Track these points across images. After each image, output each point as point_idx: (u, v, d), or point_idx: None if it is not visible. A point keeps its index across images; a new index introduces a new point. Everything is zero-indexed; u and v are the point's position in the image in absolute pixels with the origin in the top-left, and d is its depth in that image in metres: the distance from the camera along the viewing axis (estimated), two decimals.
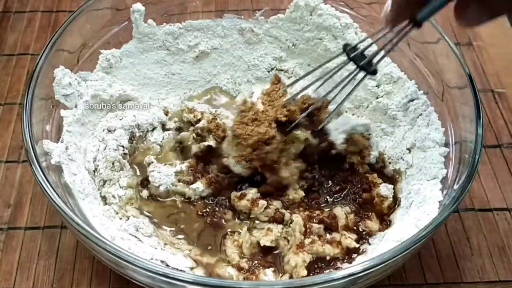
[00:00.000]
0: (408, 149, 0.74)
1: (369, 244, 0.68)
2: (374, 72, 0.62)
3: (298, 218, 0.68)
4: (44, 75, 0.68)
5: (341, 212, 0.71)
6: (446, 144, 0.70)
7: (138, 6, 0.80)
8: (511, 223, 0.74)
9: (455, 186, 0.61)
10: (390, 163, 0.75)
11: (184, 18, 0.86)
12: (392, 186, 0.73)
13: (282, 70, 0.86)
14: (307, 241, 0.66)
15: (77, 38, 0.76)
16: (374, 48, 0.67)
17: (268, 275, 0.64)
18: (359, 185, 0.74)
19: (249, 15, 0.88)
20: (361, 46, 0.62)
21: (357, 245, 0.67)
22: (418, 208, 0.65)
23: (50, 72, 0.70)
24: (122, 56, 0.81)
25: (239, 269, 0.65)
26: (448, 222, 0.57)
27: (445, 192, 0.64)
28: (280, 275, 0.65)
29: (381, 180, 0.74)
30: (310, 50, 0.85)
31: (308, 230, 0.68)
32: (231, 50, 0.87)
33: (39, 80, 0.67)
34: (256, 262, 0.66)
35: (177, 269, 0.59)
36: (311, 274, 0.63)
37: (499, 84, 0.90)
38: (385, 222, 0.70)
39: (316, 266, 0.65)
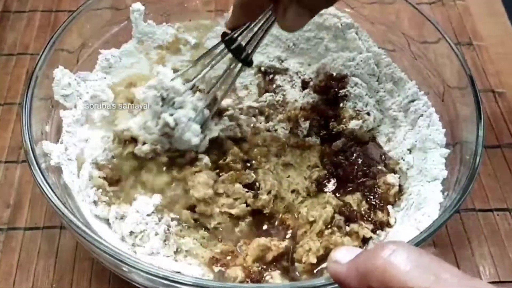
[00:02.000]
0: (408, 150, 0.74)
1: (378, 236, 0.67)
2: (249, 63, 0.62)
3: (328, 208, 0.67)
4: (44, 75, 0.68)
5: (353, 200, 0.69)
6: (447, 145, 0.70)
7: (137, 5, 0.79)
8: None
9: (456, 188, 0.61)
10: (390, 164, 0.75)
11: (184, 18, 0.85)
12: (398, 175, 0.72)
13: (282, 70, 0.86)
14: (327, 231, 0.65)
15: (76, 38, 0.75)
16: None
17: (274, 277, 0.62)
18: (365, 172, 0.73)
19: None
20: (236, 36, 0.61)
21: (374, 235, 0.66)
22: (418, 209, 0.65)
23: (50, 72, 0.70)
24: (122, 56, 0.81)
25: (248, 274, 0.62)
26: (448, 222, 0.57)
27: (446, 193, 0.64)
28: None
29: (385, 169, 0.73)
30: (310, 49, 0.85)
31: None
32: None
33: (38, 80, 0.67)
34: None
35: (178, 271, 0.59)
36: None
37: (500, 84, 0.90)
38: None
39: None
